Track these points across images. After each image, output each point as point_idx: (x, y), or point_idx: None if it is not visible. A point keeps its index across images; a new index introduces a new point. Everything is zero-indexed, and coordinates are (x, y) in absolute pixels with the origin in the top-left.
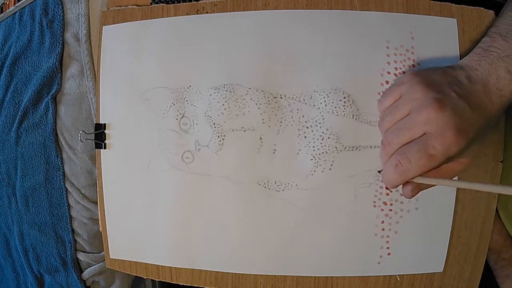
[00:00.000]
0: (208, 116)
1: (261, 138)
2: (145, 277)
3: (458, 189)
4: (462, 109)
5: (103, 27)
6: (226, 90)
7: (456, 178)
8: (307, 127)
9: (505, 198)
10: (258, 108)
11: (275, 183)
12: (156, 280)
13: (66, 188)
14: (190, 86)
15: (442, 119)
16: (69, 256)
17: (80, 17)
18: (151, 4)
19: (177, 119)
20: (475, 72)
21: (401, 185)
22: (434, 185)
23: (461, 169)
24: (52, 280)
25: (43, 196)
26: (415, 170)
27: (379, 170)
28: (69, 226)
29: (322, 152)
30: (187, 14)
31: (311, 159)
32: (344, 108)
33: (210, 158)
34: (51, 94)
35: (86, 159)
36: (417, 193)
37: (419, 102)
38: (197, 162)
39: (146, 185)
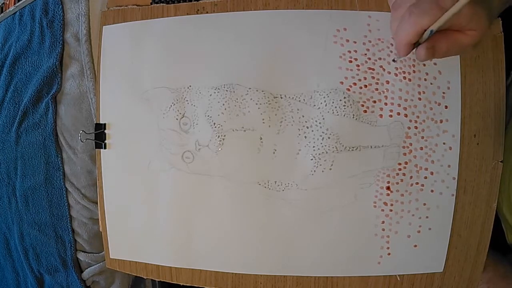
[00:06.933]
0: (208, 116)
1: (261, 138)
2: (145, 277)
3: (458, 191)
4: None
5: (103, 27)
6: (226, 90)
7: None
8: (307, 127)
9: (508, 192)
10: (258, 108)
11: (275, 183)
12: (156, 280)
13: (66, 188)
14: (190, 86)
15: None
16: (69, 256)
17: (80, 17)
18: (151, 4)
19: (177, 119)
20: None
21: (414, 51)
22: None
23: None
24: (52, 280)
25: (43, 196)
26: (428, 19)
27: (393, 58)
28: (69, 226)
29: (322, 152)
30: (187, 14)
31: (311, 159)
32: (344, 108)
33: (210, 158)
34: (51, 94)
35: (86, 159)
36: (431, 57)
37: None
38: (197, 162)
39: (146, 185)
